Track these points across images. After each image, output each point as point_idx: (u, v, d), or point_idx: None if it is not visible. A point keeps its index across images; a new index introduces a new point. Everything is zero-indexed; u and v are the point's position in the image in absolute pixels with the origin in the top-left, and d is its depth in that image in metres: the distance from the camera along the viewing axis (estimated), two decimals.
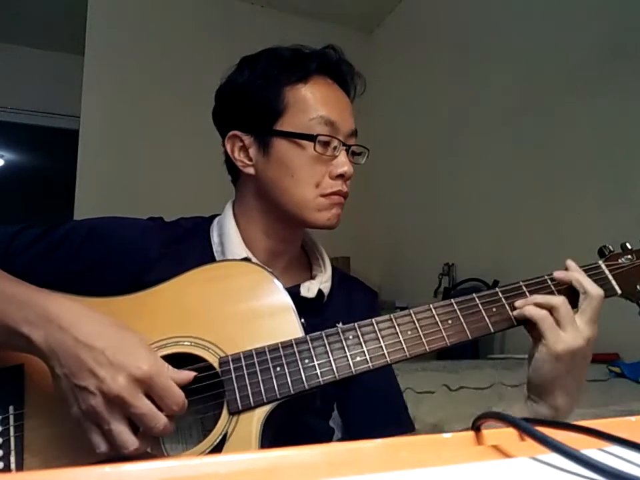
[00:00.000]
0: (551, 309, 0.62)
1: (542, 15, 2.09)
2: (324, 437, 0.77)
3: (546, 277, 0.67)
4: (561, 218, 1.93)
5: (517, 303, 0.64)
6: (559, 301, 0.62)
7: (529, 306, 0.63)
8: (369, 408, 0.80)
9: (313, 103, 0.74)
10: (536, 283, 0.67)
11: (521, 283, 0.67)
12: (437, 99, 2.72)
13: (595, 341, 0.63)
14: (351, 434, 0.80)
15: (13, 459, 0.56)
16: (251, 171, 0.78)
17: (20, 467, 0.56)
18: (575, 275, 0.65)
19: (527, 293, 0.66)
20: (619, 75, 1.76)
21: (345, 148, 0.75)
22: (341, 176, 0.75)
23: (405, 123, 3.00)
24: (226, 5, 2.99)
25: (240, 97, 0.78)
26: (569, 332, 0.60)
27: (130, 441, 0.52)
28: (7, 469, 0.56)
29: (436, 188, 2.68)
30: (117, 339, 0.55)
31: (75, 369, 0.52)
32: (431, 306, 0.64)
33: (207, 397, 0.60)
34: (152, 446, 0.55)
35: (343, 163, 0.74)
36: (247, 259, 0.73)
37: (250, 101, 0.77)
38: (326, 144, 0.74)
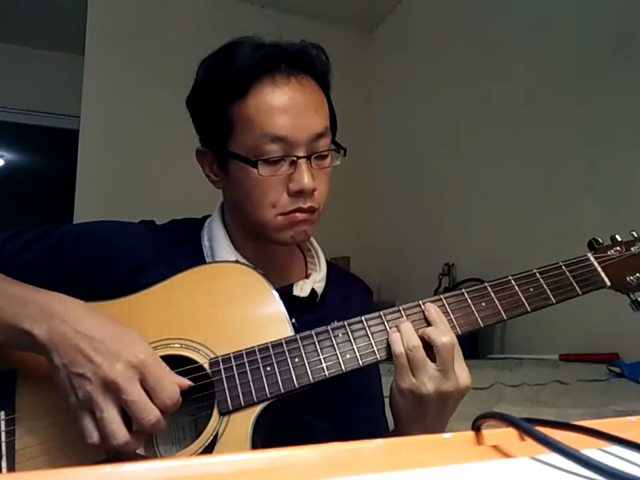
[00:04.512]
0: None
1: (543, 14, 2.09)
2: (323, 435, 0.76)
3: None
4: (562, 218, 1.93)
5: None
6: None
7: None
8: (354, 412, 0.79)
9: (258, 119, 0.67)
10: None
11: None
12: (437, 99, 2.72)
13: (458, 394, 0.62)
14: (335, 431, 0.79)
15: (4, 464, 0.56)
16: (220, 186, 0.77)
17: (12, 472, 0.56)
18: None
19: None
20: (620, 77, 1.75)
21: (304, 160, 0.68)
22: (300, 192, 0.69)
23: (405, 122, 3.00)
24: (226, 5, 2.99)
25: (194, 112, 0.76)
26: (418, 378, 0.59)
27: (120, 432, 0.52)
28: None
29: (436, 188, 2.68)
30: (116, 332, 0.56)
31: (73, 357, 0.53)
32: (421, 302, 0.64)
33: (199, 398, 0.59)
34: (145, 447, 0.55)
35: (300, 179, 0.68)
36: (236, 261, 0.73)
37: (201, 118, 0.75)
38: (277, 162, 0.68)
